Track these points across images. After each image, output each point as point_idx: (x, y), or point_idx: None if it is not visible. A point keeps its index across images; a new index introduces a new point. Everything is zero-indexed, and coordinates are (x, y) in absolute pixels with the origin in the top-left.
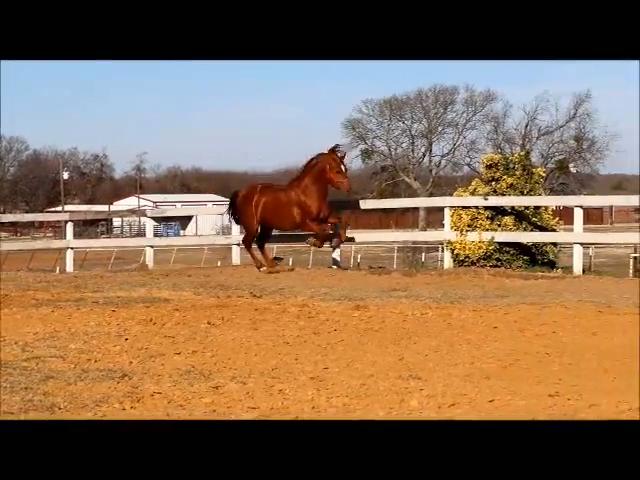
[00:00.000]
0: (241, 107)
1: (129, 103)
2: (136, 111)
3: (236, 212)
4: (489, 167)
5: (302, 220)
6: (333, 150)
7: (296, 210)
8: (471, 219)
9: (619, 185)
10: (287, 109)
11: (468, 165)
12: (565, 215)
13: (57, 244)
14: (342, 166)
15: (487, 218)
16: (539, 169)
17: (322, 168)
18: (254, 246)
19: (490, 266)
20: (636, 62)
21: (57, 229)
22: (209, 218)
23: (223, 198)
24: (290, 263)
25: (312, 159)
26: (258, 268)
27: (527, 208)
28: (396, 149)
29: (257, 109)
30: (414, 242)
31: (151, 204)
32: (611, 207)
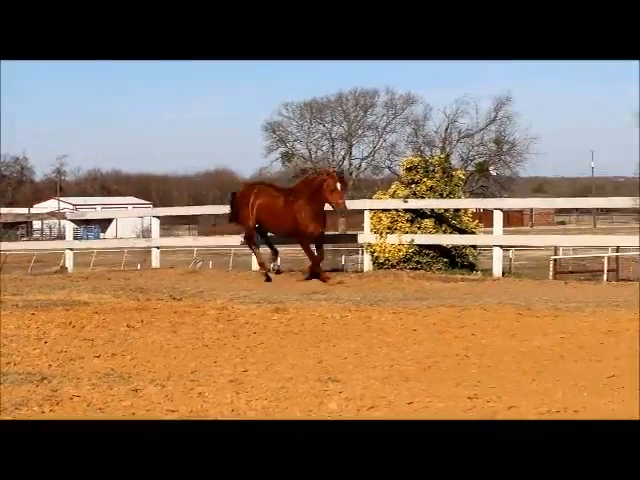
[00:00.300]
0: (163, 108)
1: (49, 105)
2: (56, 113)
3: (233, 211)
4: (409, 170)
5: (295, 232)
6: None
7: (290, 220)
8: (391, 222)
9: (539, 188)
10: (208, 111)
11: (388, 168)
12: (485, 218)
13: None
14: (339, 184)
15: (407, 221)
16: (459, 172)
17: (320, 185)
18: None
19: (410, 269)
20: (553, 63)
21: None
22: (129, 221)
23: (143, 201)
24: (210, 266)
25: (311, 175)
26: (262, 267)
27: (447, 211)
28: (316, 152)
29: (179, 110)
30: (334, 245)
31: (71, 207)
32: (531, 210)
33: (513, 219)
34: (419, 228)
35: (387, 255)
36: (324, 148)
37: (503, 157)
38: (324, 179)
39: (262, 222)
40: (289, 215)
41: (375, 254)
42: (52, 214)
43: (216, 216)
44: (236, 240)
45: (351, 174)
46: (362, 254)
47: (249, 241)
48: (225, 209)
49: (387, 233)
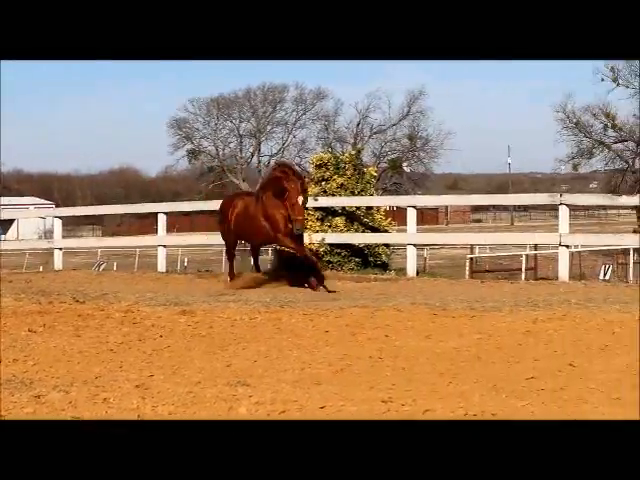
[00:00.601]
0: (63, 107)
1: None
2: None
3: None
4: (319, 167)
5: (274, 234)
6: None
7: (264, 222)
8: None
9: (454, 184)
10: (111, 108)
11: (298, 165)
12: (398, 216)
13: None
14: (300, 199)
15: (317, 219)
16: (371, 168)
17: (282, 191)
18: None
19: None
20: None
21: None
22: (31, 222)
23: (45, 201)
24: (115, 267)
25: (274, 173)
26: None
27: (358, 209)
28: (224, 149)
29: (81, 108)
30: (243, 244)
31: None
32: (446, 207)
33: (427, 217)
34: (330, 227)
35: None
36: (232, 145)
37: (417, 153)
38: (285, 188)
39: (240, 234)
40: (260, 212)
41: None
42: None
43: (121, 216)
44: (141, 240)
45: (260, 172)
46: (272, 254)
47: (228, 256)
48: (131, 208)
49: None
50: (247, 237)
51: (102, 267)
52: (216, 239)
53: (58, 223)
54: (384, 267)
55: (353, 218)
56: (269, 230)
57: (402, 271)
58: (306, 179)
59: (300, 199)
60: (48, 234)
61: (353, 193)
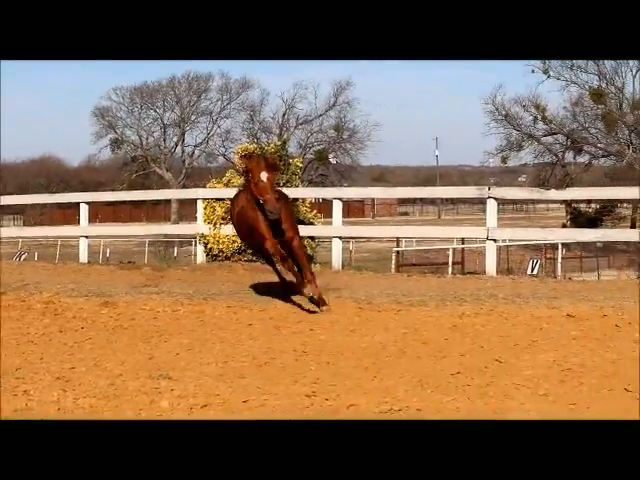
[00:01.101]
0: None
1: None
2: None
3: None
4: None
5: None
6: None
7: (244, 223)
8: (225, 212)
9: (381, 177)
10: (30, 100)
11: (223, 155)
12: (324, 208)
13: None
14: (264, 174)
15: None
16: (296, 159)
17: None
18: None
19: (245, 261)
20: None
21: None
22: None
23: None
24: (36, 258)
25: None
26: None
27: None
28: (147, 138)
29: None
30: (166, 236)
31: None
32: (373, 200)
33: (354, 210)
34: None
35: (221, 247)
36: (156, 134)
37: (343, 144)
38: (246, 168)
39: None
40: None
41: (209, 245)
42: None
43: (43, 206)
44: (63, 231)
45: (184, 162)
46: (195, 245)
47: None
48: (52, 198)
49: (221, 224)
50: (243, 238)
51: (23, 257)
52: (135, 230)
53: None
54: (309, 260)
55: None
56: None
57: (327, 264)
58: (273, 157)
59: (264, 175)
60: None
61: (278, 184)
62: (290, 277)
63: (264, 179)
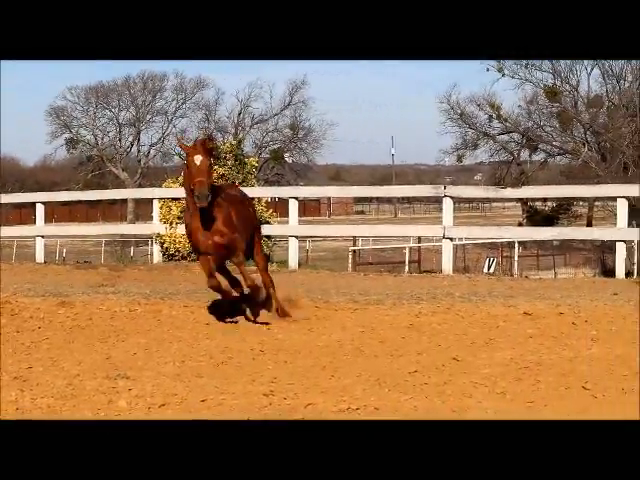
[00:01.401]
0: None
1: None
2: None
3: None
4: None
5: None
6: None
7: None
8: (181, 211)
9: (337, 175)
10: None
11: (178, 155)
12: (280, 207)
13: None
14: (198, 157)
15: None
16: (252, 159)
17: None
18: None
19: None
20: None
21: None
22: None
23: None
24: None
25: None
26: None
27: None
28: (103, 138)
29: None
30: (122, 235)
31: None
32: (329, 199)
33: (310, 209)
34: None
35: (178, 246)
36: (111, 134)
37: (299, 144)
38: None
39: None
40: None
41: (165, 245)
42: None
43: None
44: (18, 231)
45: (139, 161)
46: (152, 245)
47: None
48: (8, 198)
49: (178, 223)
50: None
51: None
52: (91, 230)
53: None
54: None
55: None
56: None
57: (284, 263)
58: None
59: (198, 158)
60: None
61: (234, 184)
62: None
63: (197, 162)
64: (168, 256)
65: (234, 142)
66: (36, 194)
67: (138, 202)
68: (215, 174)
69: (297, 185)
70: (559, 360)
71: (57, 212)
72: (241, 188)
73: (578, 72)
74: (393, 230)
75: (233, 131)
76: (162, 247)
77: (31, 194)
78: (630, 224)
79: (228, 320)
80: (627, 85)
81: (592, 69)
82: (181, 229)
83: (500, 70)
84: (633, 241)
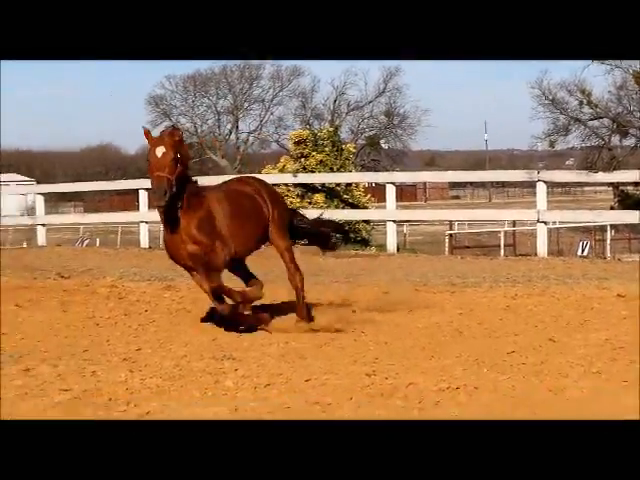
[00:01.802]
0: (41, 82)
1: None
2: None
3: None
4: (298, 143)
5: None
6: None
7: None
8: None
9: (432, 161)
10: (88, 85)
11: (276, 142)
12: (377, 192)
13: None
14: (159, 150)
15: (297, 196)
16: (349, 145)
17: None
18: None
19: (302, 244)
20: None
21: None
22: (13, 198)
23: (26, 178)
24: (97, 243)
25: None
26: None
27: (338, 185)
28: (202, 126)
29: (59, 84)
30: None
31: None
32: (425, 184)
33: (406, 194)
34: (310, 203)
35: None
36: (210, 122)
37: (394, 130)
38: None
39: None
40: None
41: None
42: None
43: (102, 192)
44: (123, 217)
45: (238, 148)
46: None
47: None
48: (112, 185)
49: None
50: None
51: (85, 243)
52: None
53: (40, 200)
54: (364, 243)
55: (333, 194)
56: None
57: (382, 247)
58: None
59: (160, 150)
60: (30, 211)
61: (332, 169)
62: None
63: (158, 154)
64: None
65: (331, 129)
66: (139, 181)
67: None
68: (314, 160)
69: (393, 171)
70: None
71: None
72: (264, 180)
73: None
74: (488, 214)
75: (329, 118)
76: None
77: (134, 181)
78: None
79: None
80: None
81: None
82: None
83: None
84: None
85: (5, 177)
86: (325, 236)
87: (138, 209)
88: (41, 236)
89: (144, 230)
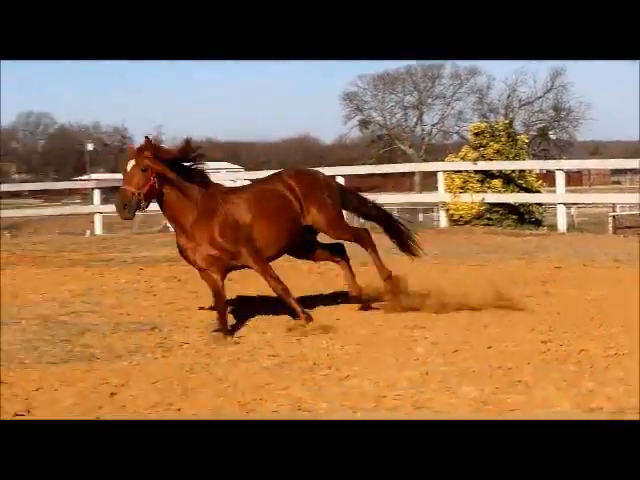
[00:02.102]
0: (236, 79)
1: (144, 80)
2: (151, 88)
3: None
4: (477, 135)
5: None
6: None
7: None
8: (462, 182)
9: (595, 151)
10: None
11: (457, 133)
12: (548, 178)
13: (86, 209)
14: (131, 163)
15: (477, 181)
16: (523, 136)
17: None
18: None
19: (482, 225)
20: None
21: (85, 196)
22: (222, 184)
23: (235, 166)
24: None
25: None
26: None
27: (513, 172)
28: (390, 119)
29: (257, 77)
30: (412, 203)
31: None
32: (589, 170)
33: (573, 179)
34: (489, 187)
35: (461, 212)
36: (397, 116)
37: (561, 122)
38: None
39: None
40: None
41: (450, 212)
42: None
43: None
44: None
45: (423, 139)
46: (437, 212)
47: None
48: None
49: (460, 192)
50: None
51: None
52: (386, 198)
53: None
54: (537, 223)
55: (509, 180)
56: None
57: (553, 227)
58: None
59: (130, 164)
60: None
61: (508, 158)
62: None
63: (128, 168)
64: (453, 221)
65: (506, 121)
66: (335, 168)
67: (424, 174)
68: (491, 150)
69: (561, 159)
70: None
71: (354, 183)
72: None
73: None
74: None
75: (503, 112)
76: (447, 213)
77: (330, 168)
78: None
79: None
80: None
81: None
82: (463, 197)
83: None
84: None
85: (216, 165)
86: (396, 227)
87: None
88: None
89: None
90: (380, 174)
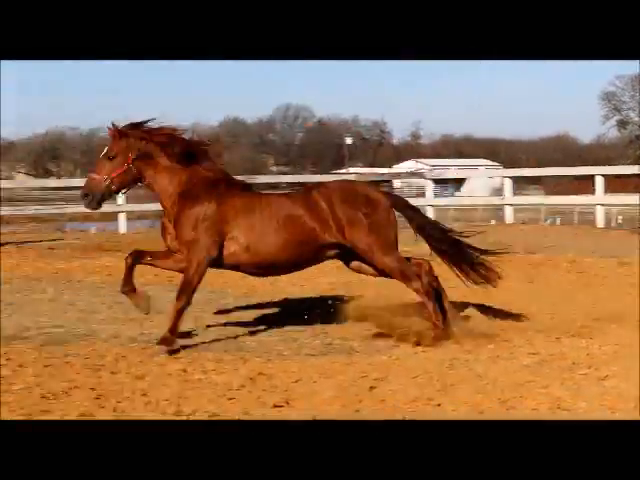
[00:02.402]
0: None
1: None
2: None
3: None
4: None
5: None
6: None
7: None
8: None
9: None
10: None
11: None
12: None
13: None
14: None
15: None
16: None
17: None
18: None
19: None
20: None
21: None
22: (479, 181)
23: (493, 163)
24: (558, 222)
25: None
26: None
27: None
28: None
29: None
30: None
31: (428, 167)
32: None
33: None
34: None
35: None
36: None
37: None
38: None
39: None
40: None
41: None
42: (412, 173)
43: (560, 177)
44: (578, 199)
45: None
46: None
47: None
48: (568, 170)
49: None
50: None
51: (548, 222)
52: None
53: (508, 182)
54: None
55: None
56: None
57: None
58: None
59: (103, 151)
60: (495, 192)
61: None
62: None
63: (100, 155)
64: None
65: None
66: (592, 167)
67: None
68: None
69: None
70: None
71: (611, 183)
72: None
73: None
74: None
75: None
76: None
77: (587, 167)
78: None
79: None
80: None
81: None
82: None
83: None
84: None
85: (474, 162)
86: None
87: (594, 193)
88: (509, 215)
89: (600, 212)
90: (637, 175)
